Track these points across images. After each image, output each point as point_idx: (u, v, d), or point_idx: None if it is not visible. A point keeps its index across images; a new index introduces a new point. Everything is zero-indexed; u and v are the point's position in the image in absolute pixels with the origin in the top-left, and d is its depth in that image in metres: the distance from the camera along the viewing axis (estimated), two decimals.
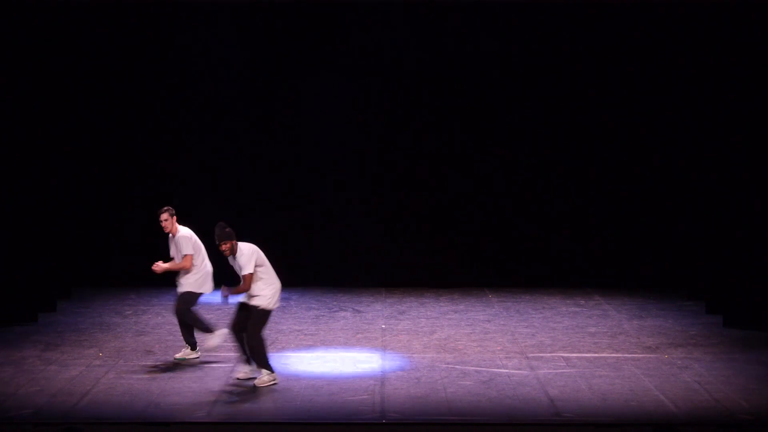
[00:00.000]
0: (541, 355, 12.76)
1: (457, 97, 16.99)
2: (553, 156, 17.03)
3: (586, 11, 16.37)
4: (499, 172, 17.13)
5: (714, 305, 14.96)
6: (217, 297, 11.97)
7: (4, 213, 14.57)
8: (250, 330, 11.33)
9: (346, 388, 11.26)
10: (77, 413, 10.40)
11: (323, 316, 15.03)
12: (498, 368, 12.12)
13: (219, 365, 12.19)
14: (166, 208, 12.44)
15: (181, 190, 16.81)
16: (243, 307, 11.47)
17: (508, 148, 17.07)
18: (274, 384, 11.34)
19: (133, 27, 16.39)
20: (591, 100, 16.86)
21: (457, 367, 12.17)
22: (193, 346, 12.42)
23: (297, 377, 11.68)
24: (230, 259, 11.44)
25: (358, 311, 15.40)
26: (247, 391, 11.26)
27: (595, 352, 12.89)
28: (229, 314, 14.59)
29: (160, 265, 12.34)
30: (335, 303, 15.91)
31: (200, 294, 12.45)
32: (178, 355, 12.44)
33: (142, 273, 16.57)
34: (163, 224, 12.37)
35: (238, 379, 11.55)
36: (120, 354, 12.68)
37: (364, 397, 10.99)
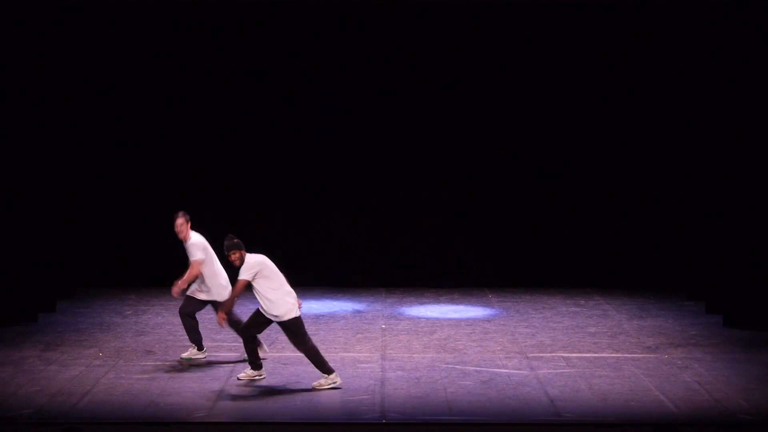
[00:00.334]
0: (541, 355, 12.76)
1: (457, 97, 16.99)
2: (553, 156, 17.04)
3: (586, 11, 16.37)
4: (499, 172, 17.14)
5: (714, 305, 14.96)
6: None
7: (4, 213, 14.57)
8: (300, 344, 11.30)
9: (346, 388, 11.25)
10: (77, 413, 10.40)
11: (323, 316, 15.03)
12: (498, 368, 12.12)
13: (219, 365, 12.18)
14: (182, 212, 12.28)
15: (180, 189, 16.82)
16: (260, 312, 11.42)
17: (508, 148, 17.07)
18: (335, 386, 11.26)
19: (133, 27, 16.39)
20: (591, 100, 16.86)
21: (457, 367, 12.16)
22: (199, 345, 12.39)
23: (297, 377, 11.67)
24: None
25: (358, 311, 15.40)
26: (247, 391, 11.26)
27: (595, 352, 12.89)
28: None
29: (176, 288, 12.19)
30: (335, 303, 15.91)
31: (206, 302, 12.41)
32: (184, 355, 12.41)
33: (142, 273, 16.72)
34: (178, 229, 12.23)
35: (238, 379, 11.54)
36: (120, 354, 12.67)
37: (364, 397, 10.98)
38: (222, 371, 11.92)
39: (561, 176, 17.07)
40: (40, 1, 14.91)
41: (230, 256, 11.29)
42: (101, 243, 16.84)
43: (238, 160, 17.02)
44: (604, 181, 17.04)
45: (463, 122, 17.06)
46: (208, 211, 16.36)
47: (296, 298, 11.35)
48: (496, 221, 17.19)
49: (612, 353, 12.83)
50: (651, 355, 12.73)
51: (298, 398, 10.96)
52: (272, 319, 11.27)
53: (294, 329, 11.27)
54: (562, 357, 12.65)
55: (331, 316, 14.98)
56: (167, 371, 11.93)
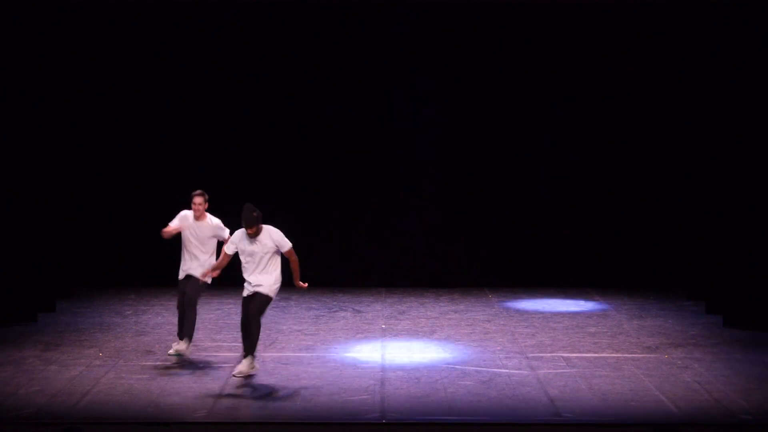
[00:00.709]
0: (541, 355, 12.75)
1: (457, 97, 17.00)
2: (553, 156, 17.05)
3: (586, 11, 16.38)
4: (499, 172, 17.14)
5: (714, 305, 14.96)
6: None
7: (4, 213, 14.57)
8: (258, 314, 11.37)
9: (346, 388, 11.25)
10: (77, 413, 10.39)
11: (323, 316, 15.03)
12: (498, 368, 12.12)
13: (219, 365, 12.18)
14: (201, 191, 12.25)
15: (180, 189, 16.81)
16: (249, 301, 11.44)
17: (508, 148, 17.07)
18: (253, 373, 11.36)
19: (133, 27, 16.39)
20: (591, 100, 16.87)
21: (457, 367, 12.16)
22: (191, 338, 12.35)
23: (297, 377, 11.68)
24: (250, 241, 11.38)
25: (358, 311, 15.40)
26: (247, 391, 11.25)
27: (595, 352, 12.89)
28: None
29: (208, 273, 12.09)
30: (335, 303, 15.91)
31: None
32: (178, 349, 12.34)
33: (142, 273, 16.73)
34: (199, 207, 12.16)
35: (233, 376, 11.50)
36: (120, 354, 12.67)
37: (364, 397, 10.98)
38: (222, 371, 11.91)
39: (561, 176, 17.08)
40: (40, 1, 14.91)
41: (249, 229, 11.29)
42: (101, 243, 16.85)
43: (238, 160, 17.02)
44: (604, 181, 17.05)
45: (463, 122, 17.07)
46: (207, 211, 16.38)
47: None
48: (496, 221, 17.19)
49: (612, 353, 12.83)
50: (651, 355, 12.73)
51: (298, 398, 10.96)
52: (257, 289, 11.34)
53: (262, 303, 11.41)
54: (562, 357, 12.65)
55: (331, 316, 14.98)
56: (167, 371, 11.93)
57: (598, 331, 14.11)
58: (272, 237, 11.44)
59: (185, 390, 11.19)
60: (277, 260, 11.49)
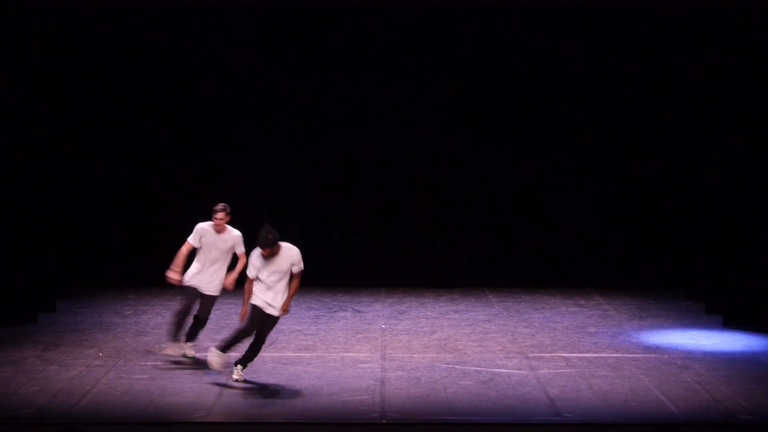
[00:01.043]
0: (541, 355, 12.76)
1: (457, 97, 17.00)
2: (553, 156, 17.04)
3: (586, 11, 16.37)
4: (499, 172, 17.14)
5: (714, 305, 14.96)
6: None
7: (4, 213, 14.57)
8: (266, 336, 11.50)
9: (346, 388, 11.25)
10: (77, 413, 10.40)
11: (323, 316, 15.03)
12: (498, 368, 12.12)
13: None
14: (223, 205, 12.24)
15: (180, 189, 16.83)
16: (263, 319, 11.44)
17: (509, 148, 17.07)
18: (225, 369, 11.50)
19: (133, 27, 16.39)
20: (591, 100, 16.87)
21: (457, 367, 12.16)
22: (190, 339, 12.39)
23: (297, 377, 11.68)
24: (266, 261, 11.31)
25: (358, 311, 15.40)
26: (247, 391, 11.26)
27: (595, 352, 12.89)
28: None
29: (230, 281, 12.21)
30: (335, 303, 15.91)
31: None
32: (189, 353, 12.34)
33: (142, 273, 16.72)
34: (221, 221, 12.17)
35: (235, 381, 11.50)
36: (120, 354, 12.67)
37: (364, 397, 10.98)
38: (222, 371, 11.90)
39: (561, 176, 17.08)
40: (40, 1, 14.91)
41: (265, 251, 11.24)
42: (101, 243, 16.85)
43: (238, 160, 17.02)
44: (604, 181, 17.05)
45: (463, 122, 17.06)
46: (207, 211, 16.36)
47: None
48: (496, 221, 17.19)
49: (612, 353, 12.83)
50: (651, 355, 12.74)
51: (298, 398, 10.96)
52: (272, 312, 11.40)
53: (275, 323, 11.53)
54: (562, 357, 12.65)
55: (331, 316, 14.98)
56: (167, 371, 11.93)
57: (598, 331, 14.11)
58: (291, 257, 11.37)
59: (185, 390, 11.19)
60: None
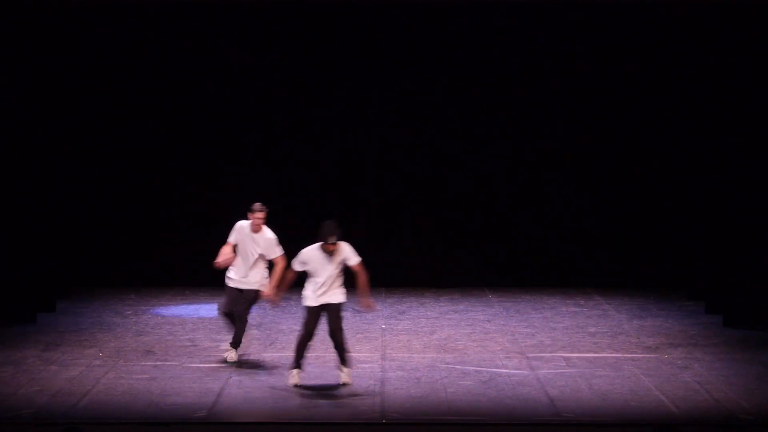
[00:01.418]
0: (541, 355, 12.75)
1: (457, 97, 16.99)
2: (553, 156, 17.03)
3: (586, 11, 16.37)
4: (499, 172, 17.13)
5: (714, 305, 14.96)
6: None
7: (4, 213, 14.57)
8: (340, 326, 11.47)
9: (346, 388, 11.25)
10: (77, 413, 10.39)
11: (323, 315, 14.98)
12: (498, 368, 12.12)
13: (219, 365, 12.18)
14: (260, 204, 12.29)
15: (180, 189, 16.82)
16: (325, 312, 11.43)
17: (509, 148, 17.07)
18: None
19: (133, 27, 16.38)
20: (591, 100, 16.87)
21: (457, 367, 12.16)
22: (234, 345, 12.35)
23: None
24: (326, 258, 11.33)
25: (358, 311, 15.38)
26: (248, 391, 11.25)
27: (595, 352, 12.89)
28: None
29: (273, 292, 12.14)
30: None
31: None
32: (230, 358, 12.28)
33: (142, 273, 16.72)
34: (260, 221, 12.21)
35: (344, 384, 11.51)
36: (120, 354, 12.67)
37: (364, 397, 10.98)
38: (222, 371, 11.91)
39: (561, 176, 17.07)
40: (40, 1, 14.91)
41: (330, 245, 11.27)
42: (101, 243, 16.83)
43: (237, 160, 17.01)
44: (604, 181, 17.04)
45: (464, 122, 17.06)
46: (208, 211, 16.40)
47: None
48: (496, 221, 17.19)
49: (612, 353, 12.83)
50: (651, 355, 12.73)
51: (298, 398, 10.96)
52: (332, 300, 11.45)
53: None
54: (562, 357, 12.65)
55: None
56: (167, 371, 11.92)
57: (598, 331, 14.11)
58: (345, 252, 11.39)
59: (185, 390, 11.19)
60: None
